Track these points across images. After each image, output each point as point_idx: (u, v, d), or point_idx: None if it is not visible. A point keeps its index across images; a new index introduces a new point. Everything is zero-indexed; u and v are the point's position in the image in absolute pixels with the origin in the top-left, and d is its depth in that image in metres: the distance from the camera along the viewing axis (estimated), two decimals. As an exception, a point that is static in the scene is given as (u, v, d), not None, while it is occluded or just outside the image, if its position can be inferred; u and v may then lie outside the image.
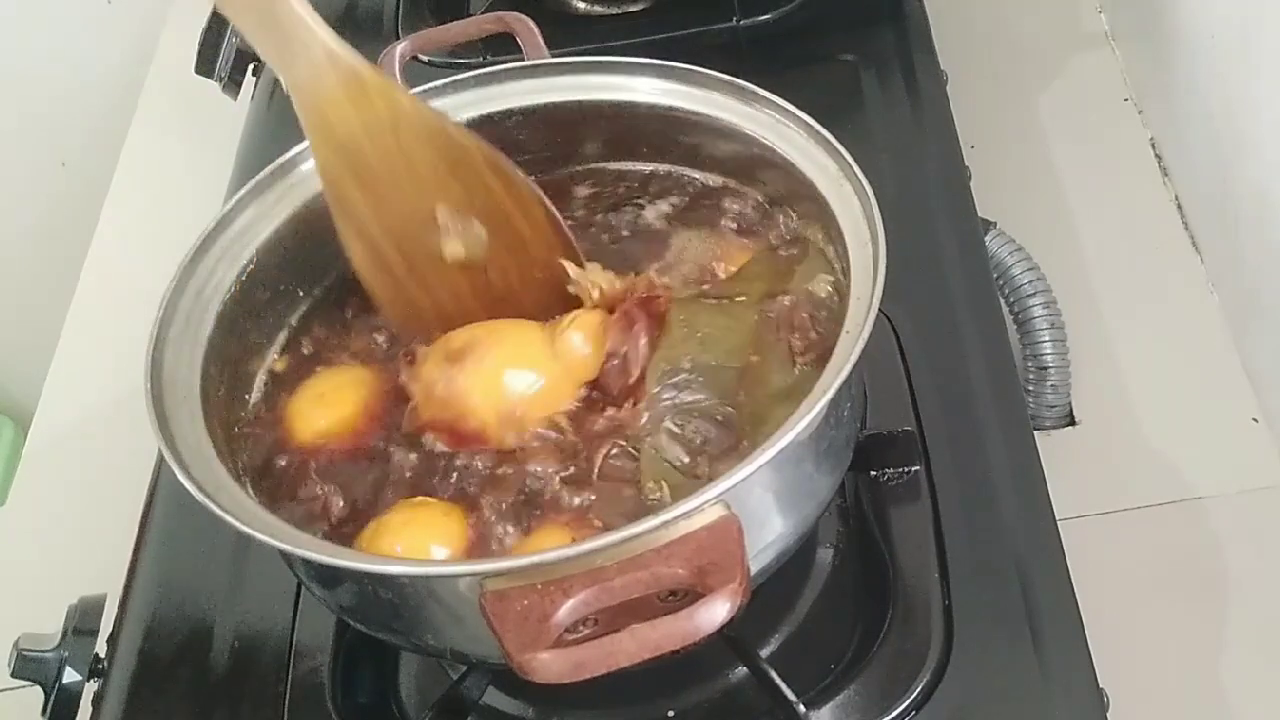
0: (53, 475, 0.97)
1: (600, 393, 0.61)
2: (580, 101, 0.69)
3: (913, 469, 0.69)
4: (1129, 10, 1.05)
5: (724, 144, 0.67)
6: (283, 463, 0.62)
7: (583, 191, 0.71)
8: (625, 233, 0.70)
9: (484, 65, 0.71)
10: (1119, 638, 0.65)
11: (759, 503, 0.55)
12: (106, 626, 0.71)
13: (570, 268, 0.65)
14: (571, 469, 0.59)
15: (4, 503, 0.98)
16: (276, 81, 1.00)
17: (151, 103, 1.23)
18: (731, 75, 0.66)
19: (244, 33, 0.59)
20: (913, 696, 0.61)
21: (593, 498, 0.58)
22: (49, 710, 0.67)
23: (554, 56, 0.71)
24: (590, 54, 0.69)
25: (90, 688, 0.69)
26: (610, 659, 0.47)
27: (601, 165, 0.71)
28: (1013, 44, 1.09)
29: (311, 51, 0.59)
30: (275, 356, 0.67)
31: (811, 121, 0.63)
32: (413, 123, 0.62)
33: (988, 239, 0.84)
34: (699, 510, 0.49)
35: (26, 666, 0.67)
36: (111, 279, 1.09)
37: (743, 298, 0.65)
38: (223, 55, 1.01)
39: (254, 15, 0.59)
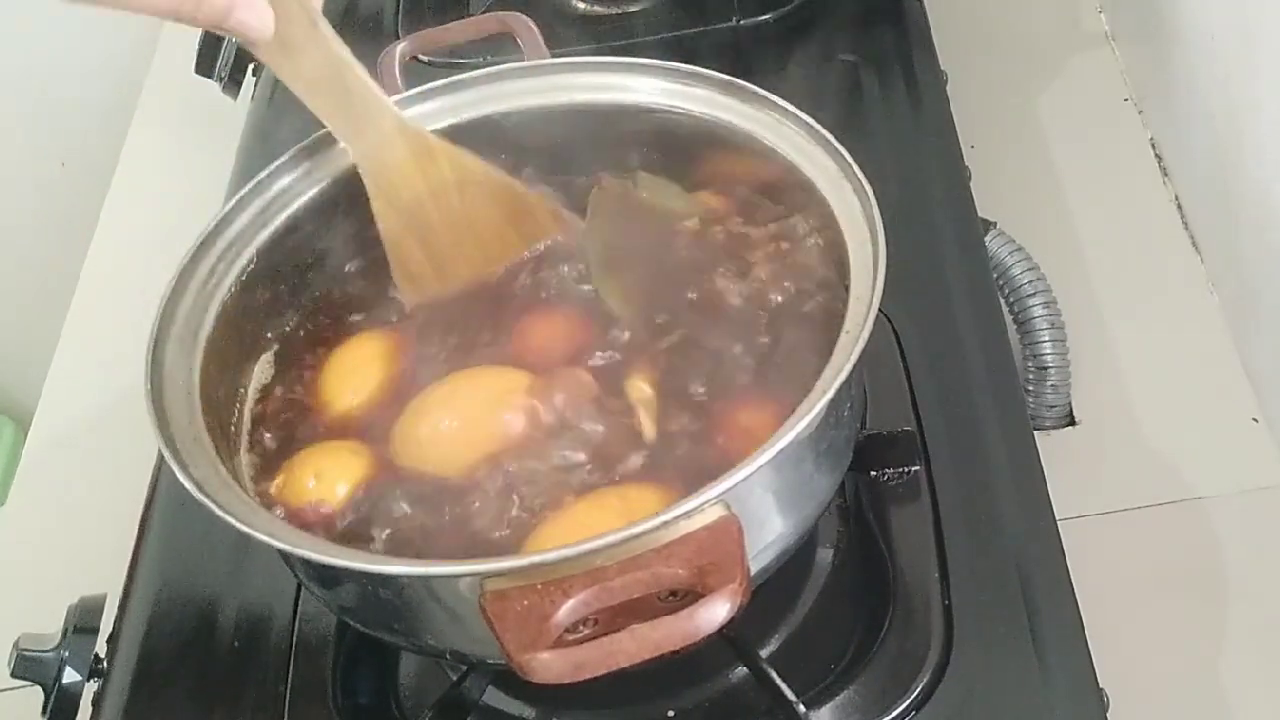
0: (53, 475, 0.97)
1: None
2: (580, 102, 0.69)
3: (913, 469, 0.69)
4: (1129, 10, 1.05)
5: (725, 144, 0.67)
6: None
7: (580, 191, 0.71)
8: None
9: (484, 65, 0.71)
10: (1119, 638, 0.65)
11: (759, 503, 0.55)
12: (106, 626, 0.71)
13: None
14: None
15: (4, 503, 0.98)
16: (276, 82, 1.00)
17: (151, 103, 1.23)
18: (731, 75, 0.66)
19: (318, 112, 0.62)
20: (913, 696, 0.61)
21: None
22: (49, 710, 0.67)
23: (554, 56, 0.71)
24: (590, 54, 0.69)
25: (90, 688, 0.68)
26: (610, 659, 0.47)
27: (600, 165, 0.71)
28: (1013, 44, 1.08)
29: (381, 124, 0.63)
30: (274, 356, 0.67)
31: (811, 121, 0.63)
32: (478, 182, 0.66)
33: (988, 239, 0.84)
34: (699, 510, 0.49)
35: (26, 666, 0.67)
36: (111, 279, 1.09)
37: None
38: (223, 55, 1.01)
39: (328, 95, 0.62)
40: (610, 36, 0.97)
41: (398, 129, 0.64)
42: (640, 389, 0.61)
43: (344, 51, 0.61)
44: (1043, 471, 0.68)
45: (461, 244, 0.67)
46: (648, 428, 0.59)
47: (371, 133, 0.63)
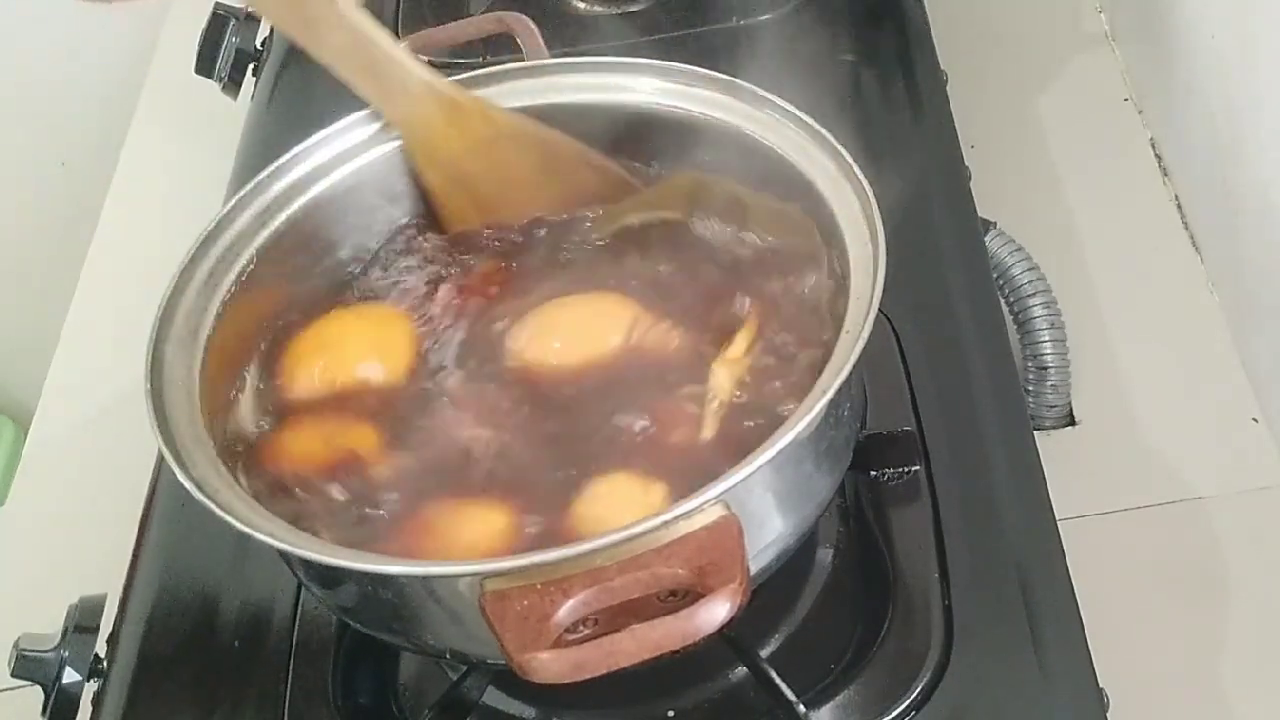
0: (53, 475, 0.97)
1: None
2: (580, 102, 0.69)
3: (913, 469, 0.69)
4: (1129, 10, 1.05)
5: (724, 145, 0.67)
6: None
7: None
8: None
9: (484, 65, 0.71)
10: (1119, 638, 0.65)
11: (759, 503, 0.55)
12: (106, 626, 0.71)
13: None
14: None
15: (4, 503, 0.98)
16: (277, 82, 1.00)
17: (151, 103, 1.23)
18: (731, 75, 0.66)
19: (349, 82, 0.65)
20: (913, 696, 0.61)
21: None
22: (49, 710, 0.67)
23: (554, 56, 0.71)
24: (590, 54, 0.69)
25: (90, 688, 0.69)
26: (610, 659, 0.47)
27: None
28: (1013, 44, 1.09)
29: (410, 87, 0.65)
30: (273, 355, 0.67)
31: (811, 121, 0.63)
32: (509, 134, 0.68)
33: (988, 239, 0.84)
34: (699, 510, 0.49)
35: (26, 666, 0.67)
36: (111, 279, 1.09)
37: None
38: (223, 55, 1.01)
39: (355, 64, 0.64)
40: (610, 36, 0.97)
41: (427, 90, 0.66)
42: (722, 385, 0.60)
43: (365, 23, 0.63)
44: (1043, 471, 0.68)
45: (504, 194, 0.69)
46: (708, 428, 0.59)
47: (401, 97, 0.66)
